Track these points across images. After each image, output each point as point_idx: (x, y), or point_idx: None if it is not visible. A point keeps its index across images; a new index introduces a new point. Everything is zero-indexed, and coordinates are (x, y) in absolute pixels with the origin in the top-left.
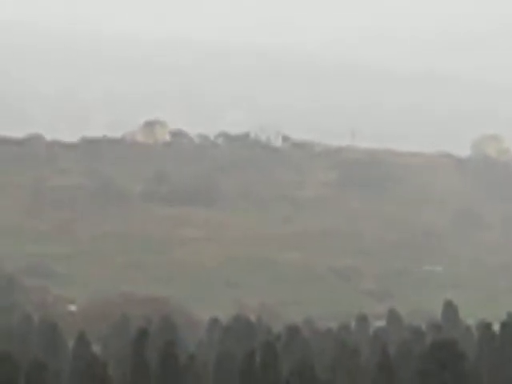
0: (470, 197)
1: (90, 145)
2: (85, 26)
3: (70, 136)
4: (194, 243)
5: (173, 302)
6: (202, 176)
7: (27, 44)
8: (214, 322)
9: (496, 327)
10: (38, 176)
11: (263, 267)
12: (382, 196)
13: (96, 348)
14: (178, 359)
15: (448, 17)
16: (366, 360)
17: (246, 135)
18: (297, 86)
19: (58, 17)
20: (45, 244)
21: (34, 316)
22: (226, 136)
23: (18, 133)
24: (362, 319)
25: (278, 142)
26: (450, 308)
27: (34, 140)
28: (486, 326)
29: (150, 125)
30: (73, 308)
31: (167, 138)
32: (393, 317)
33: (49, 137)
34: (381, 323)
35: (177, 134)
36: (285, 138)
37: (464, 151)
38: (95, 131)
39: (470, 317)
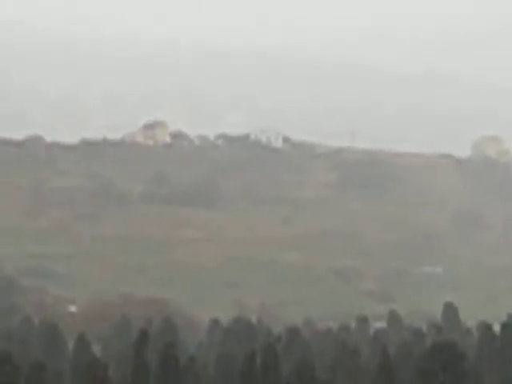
0: (470, 198)
1: (90, 146)
2: (85, 27)
3: (69, 137)
4: (194, 244)
5: (173, 304)
6: (202, 177)
7: (27, 45)
8: (215, 323)
9: (496, 328)
10: (38, 177)
11: (263, 268)
12: (382, 197)
13: (96, 349)
14: (179, 361)
15: (448, 17)
16: (366, 361)
17: (246, 136)
18: (297, 87)
19: (58, 17)
20: (45, 245)
21: (34, 317)
22: (226, 137)
23: (18, 134)
24: (362, 320)
25: (279, 143)
26: (450, 309)
27: (33, 141)
28: (486, 327)
29: (149, 126)
30: (73, 309)
31: (167, 139)
32: (393, 318)
33: (49, 138)
34: (381, 324)
35: (177, 136)
36: (285, 139)
37: (464, 152)
38: (95, 132)
39: (470, 318)
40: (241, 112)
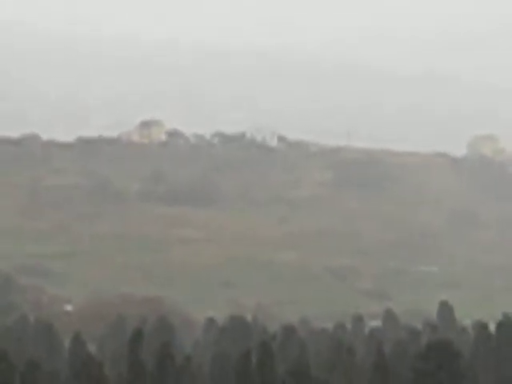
0: (466, 196)
1: (86, 145)
2: (85, 27)
3: (66, 136)
4: (190, 243)
5: (169, 303)
6: (198, 176)
7: (27, 45)
8: (211, 322)
9: (492, 327)
10: (34, 176)
11: (259, 267)
12: (378, 195)
13: (92, 348)
14: (174, 360)
15: (448, 17)
16: (361, 360)
17: (242, 135)
18: (297, 87)
19: (58, 17)
20: (41, 243)
21: (30, 316)
22: (221, 136)
23: (17, 133)
24: (358, 319)
25: (274, 142)
26: (445, 308)
27: (30, 140)
28: (482, 326)
29: (145, 125)
30: (69, 308)
31: (163, 137)
32: (389, 316)
33: (45, 136)
34: (377, 323)
35: (172, 134)
36: (280, 138)
37: (460, 151)
38: (94, 132)
39: (465, 317)
40: (241, 112)
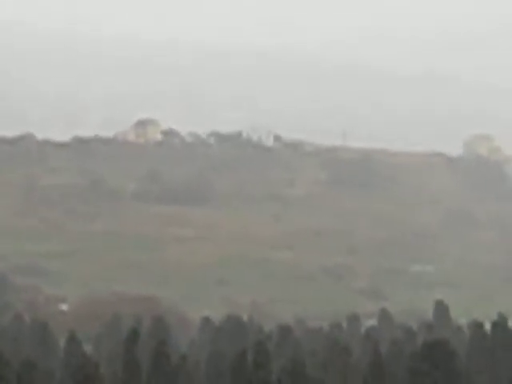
0: (462, 196)
1: (82, 144)
2: (85, 27)
3: (62, 135)
4: (186, 242)
5: (165, 302)
6: (193, 175)
7: (27, 45)
8: (206, 321)
9: (487, 327)
10: (30, 175)
11: (254, 265)
12: (373, 195)
13: (87, 347)
14: (170, 359)
15: (448, 17)
16: (357, 359)
17: (238, 135)
18: (297, 87)
19: (58, 17)
20: (36, 242)
21: (25, 315)
22: (217, 135)
23: (17, 133)
24: (354, 318)
25: (270, 142)
26: (441, 307)
27: (25, 139)
28: (478, 326)
29: (141, 124)
30: (64, 307)
31: (159, 137)
32: (384, 316)
33: (40, 136)
34: (372, 322)
35: (168, 133)
36: (276, 138)
37: (456, 150)
38: (92, 131)
39: (461, 316)
40: (241, 112)
